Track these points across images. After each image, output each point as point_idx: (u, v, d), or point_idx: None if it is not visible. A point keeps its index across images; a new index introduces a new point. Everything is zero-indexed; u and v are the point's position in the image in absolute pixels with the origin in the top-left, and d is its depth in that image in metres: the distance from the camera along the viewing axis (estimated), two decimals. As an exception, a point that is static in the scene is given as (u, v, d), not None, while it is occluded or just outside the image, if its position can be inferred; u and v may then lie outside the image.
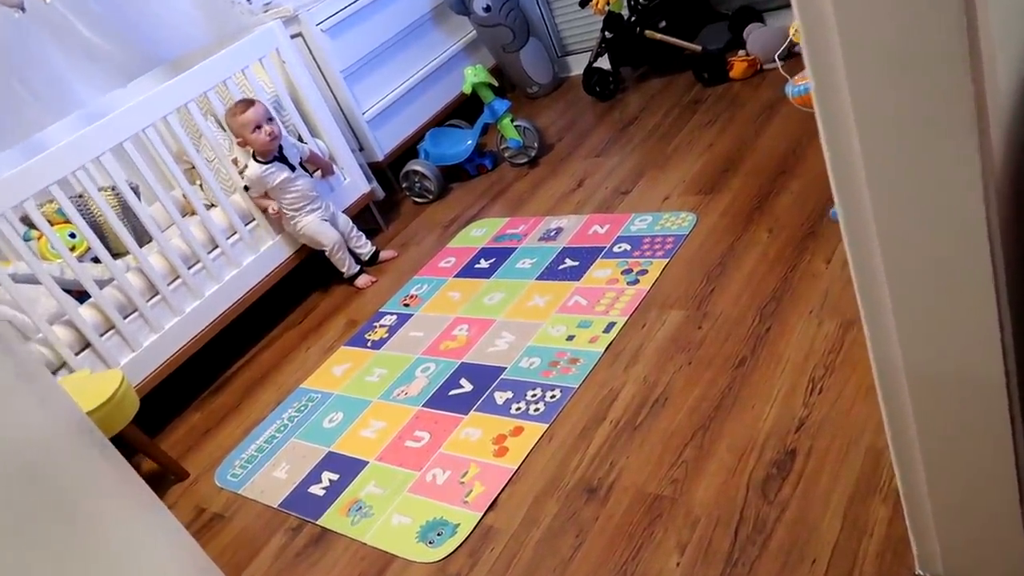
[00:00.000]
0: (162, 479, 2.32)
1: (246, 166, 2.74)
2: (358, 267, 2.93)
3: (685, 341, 1.93)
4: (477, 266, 2.69)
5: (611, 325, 2.09)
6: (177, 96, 2.63)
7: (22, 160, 2.87)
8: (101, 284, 2.51)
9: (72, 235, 2.69)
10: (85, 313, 2.43)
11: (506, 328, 2.28)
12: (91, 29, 3.11)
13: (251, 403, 2.52)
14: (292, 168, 2.73)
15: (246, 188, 2.74)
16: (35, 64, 3.01)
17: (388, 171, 3.52)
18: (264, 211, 2.78)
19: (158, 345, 2.56)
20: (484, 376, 2.12)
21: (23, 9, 2.64)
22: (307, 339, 2.74)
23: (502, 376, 2.08)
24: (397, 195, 3.50)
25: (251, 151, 2.69)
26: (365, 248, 2.97)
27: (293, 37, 3.12)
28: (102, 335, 2.46)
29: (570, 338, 2.11)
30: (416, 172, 3.31)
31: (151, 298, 2.58)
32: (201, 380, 2.75)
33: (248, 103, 2.64)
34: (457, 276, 2.68)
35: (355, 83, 3.38)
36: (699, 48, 3.17)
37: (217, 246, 2.74)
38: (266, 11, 3.34)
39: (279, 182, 2.69)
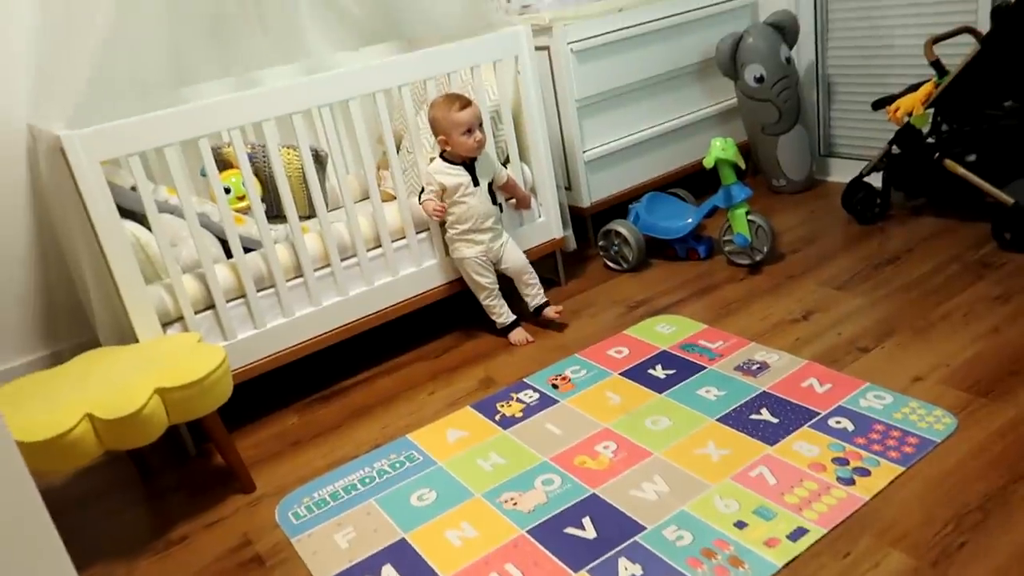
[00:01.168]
0: (226, 482, 2.03)
1: (432, 159, 2.44)
2: (514, 318, 2.54)
3: (903, 605, 1.36)
4: (651, 371, 2.20)
5: (800, 531, 1.54)
6: (395, 75, 2.36)
7: (228, 92, 2.76)
8: (248, 246, 2.28)
9: (227, 190, 2.49)
10: (220, 272, 2.20)
11: (662, 471, 1.79)
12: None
13: (351, 430, 2.19)
14: (476, 183, 2.39)
15: (421, 191, 2.42)
16: (278, 4, 2.88)
17: (589, 221, 3.12)
18: (430, 214, 2.43)
19: (283, 331, 2.29)
20: (614, 525, 1.64)
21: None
22: (436, 380, 2.38)
23: (637, 538, 1.59)
24: (589, 250, 3.08)
25: (441, 150, 2.38)
26: (535, 298, 2.56)
27: (537, 49, 2.79)
28: (230, 302, 2.22)
29: (740, 525, 1.58)
30: (618, 234, 2.88)
31: (293, 279, 2.32)
32: (312, 383, 2.47)
33: (466, 100, 2.33)
34: (624, 374, 2.21)
35: (587, 117, 3.01)
36: (1010, 200, 2.50)
37: (379, 245, 2.44)
38: (522, 13, 3.04)
39: (454, 186, 2.36)
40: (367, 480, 1.93)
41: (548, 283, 2.90)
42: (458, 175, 2.37)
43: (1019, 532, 1.45)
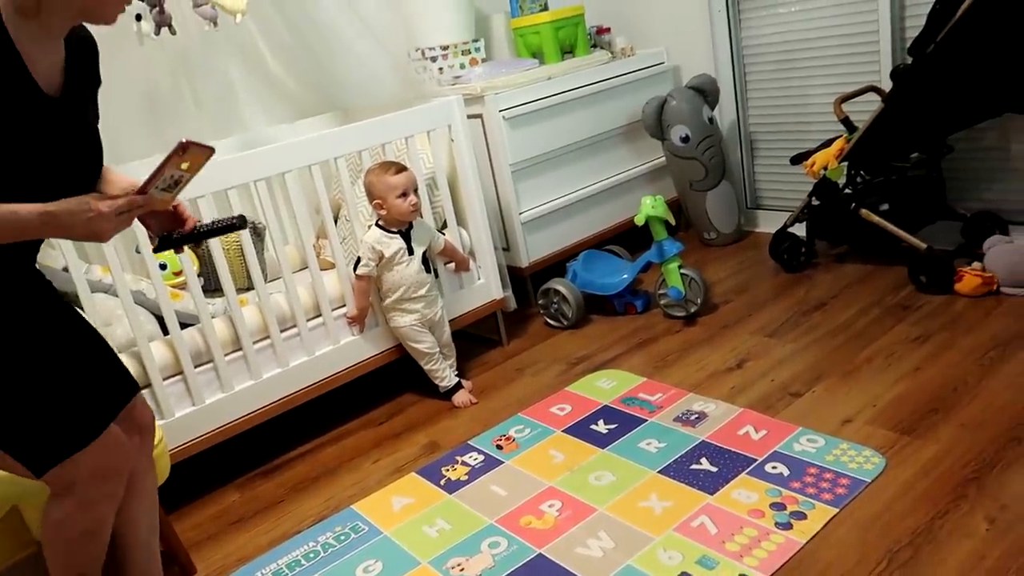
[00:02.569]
0: (167, 565, 1.96)
1: (369, 227, 2.47)
2: (456, 381, 2.56)
3: (843, 646, 1.39)
4: (593, 427, 2.24)
5: (743, 580, 1.57)
6: (330, 147, 2.40)
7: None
8: (186, 321, 2.26)
9: (163, 266, 2.48)
10: (156, 349, 2.18)
11: (606, 526, 1.80)
12: (276, 59, 3.01)
13: (294, 504, 2.15)
14: (411, 251, 2.42)
15: (357, 262, 2.44)
16: (211, 78, 2.92)
17: (529, 281, 3.17)
18: (357, 308, 2.46)
19: (222, 405, 2.26)
20: (562, 586, 1.64)
21: (215, 24, 2.54)
22: (380, 447, 2.37)
23: (584, 597, 1.60)
24: (529, 309, 3.13)
25: (377, 218, 2.42)
26: (446, 379, 2.56)
27: (470, 117, 2.87)
28: (167, 379, 2.19)
29: (684, 576, 1.61)
30: (557, 292, 2.94)
31: (231, 352, 2.30)
32: (254, 457, 2.42)
33: (400, 165, 2.39)
34: (567, 431, 2.24)
35: (522, 180, 3.09)
36: (923, 245, 2.65)
37: (319, 314, 2.45)
38: (454, 84, 3.14)
39: (392, 254, 2.39)
40: (311, 555, 1.90)
41: (490, 343, 2.93)
42: (394, 243, 2.40)
43: (946, 566, 1.51)
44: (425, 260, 2.48)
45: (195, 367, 2.21)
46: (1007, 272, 2.53)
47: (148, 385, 2.15)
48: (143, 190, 1.34)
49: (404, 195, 2.34)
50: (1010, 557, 1.50)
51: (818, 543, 1.64)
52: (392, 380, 2.72)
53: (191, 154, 1.35)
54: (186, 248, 1.70)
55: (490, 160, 3.05)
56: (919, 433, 1.93)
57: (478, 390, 2.60)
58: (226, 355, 2.28)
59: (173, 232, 1.51)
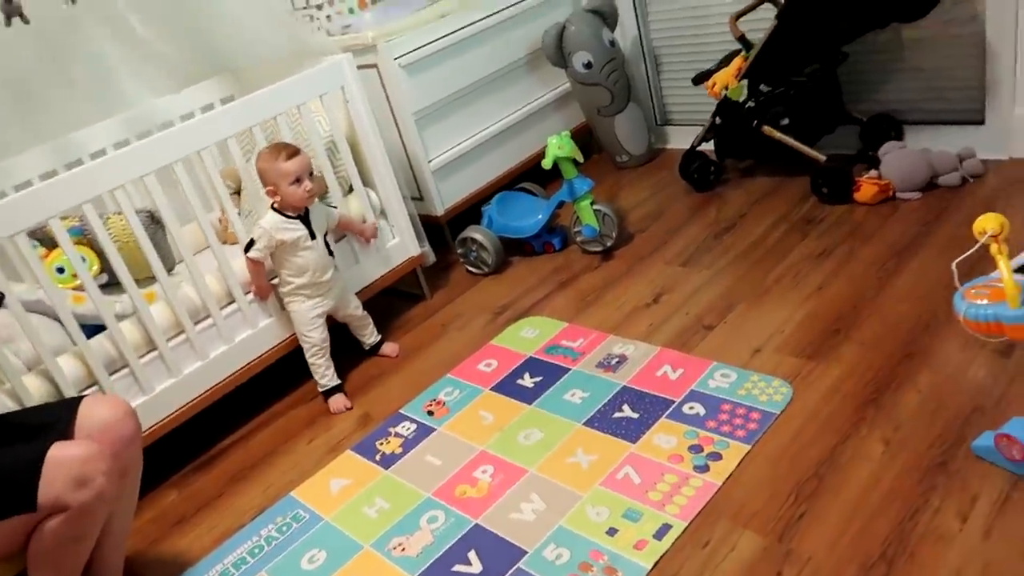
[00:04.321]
0: (112, 577, 1.98)
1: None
2: (337, 383, 2.49)
3: (757, 584, 1.50)
4: (519, 381, 2.29)
5: (665, 528, 1.67)
6: (218, 129, 2.30)
7: (44, 161, 2.62)
8: (96, 324, 2.20)
9: (60, 269, 2.39)
10: (66, 363, 2.12)
11: (537, 487, 1.88)
12: (147, 26, 2.82)
13: (234, 496, 2.17)
14: (312, 235, 2.34)
15: (249, 244, 2.34)
16: (80, 57, 2.72)
17: (446, 229, 3.15)
18: (256, 287, 2.41)
19: (147, 407, 2.22)
20: (498, 556, 1.72)
21: (74, 1, 2.35)
22: (314, 426, 2.39)
23: (520, 564, 1.68)
24: (450, 256, 3.12)
25: (272, 203, 2.34)
26: (370, 337, 2.61)
27: (364, 68, 2.77)
28: (81, 390, 2.14)
29: (611, 532, 1.70)
30: (474, 240, 2.93)
31: (146, 353, 2.25)
32: (187, 450, 2.42)
33: (292, 149, 2.27)
34: (494, 389, 2.29)
35: (426, 126, 3.02)
36: (822, 158, 2.71)
37: (232, 300, 2.40)
38: (344, 33, 3.00)
39: (293, 240, 2.31)
40: (256, 551, 1.94)
41: (414, 298, 2.93)
42: (295, 229, 2.30)
43: (848, 493, 1.63)
44: (326, 243, 2.41)
45: (110, 374, 2.17)
46: (900, 177, 2.61)
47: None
48: None
49: (298, 181, 2.25)
50: (903, 476, 1.62)
51: (733, 483, 1.74)
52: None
53: None
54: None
55: (391, 110, 2.96)
56: (822, 356, 2.04)
57: (404, 351, 2.62)
58: (141, 357, 2.23)
59: None
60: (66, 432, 1.67)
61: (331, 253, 2.42)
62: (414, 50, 2.91)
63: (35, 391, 2.06)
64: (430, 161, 3.04)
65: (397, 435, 2.22)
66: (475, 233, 2.93)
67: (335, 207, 2.53)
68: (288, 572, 1.84)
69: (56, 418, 1.70)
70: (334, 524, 1.95)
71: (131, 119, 2.80)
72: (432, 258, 2.95)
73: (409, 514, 1.91)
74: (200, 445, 2.43)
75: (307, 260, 2.34)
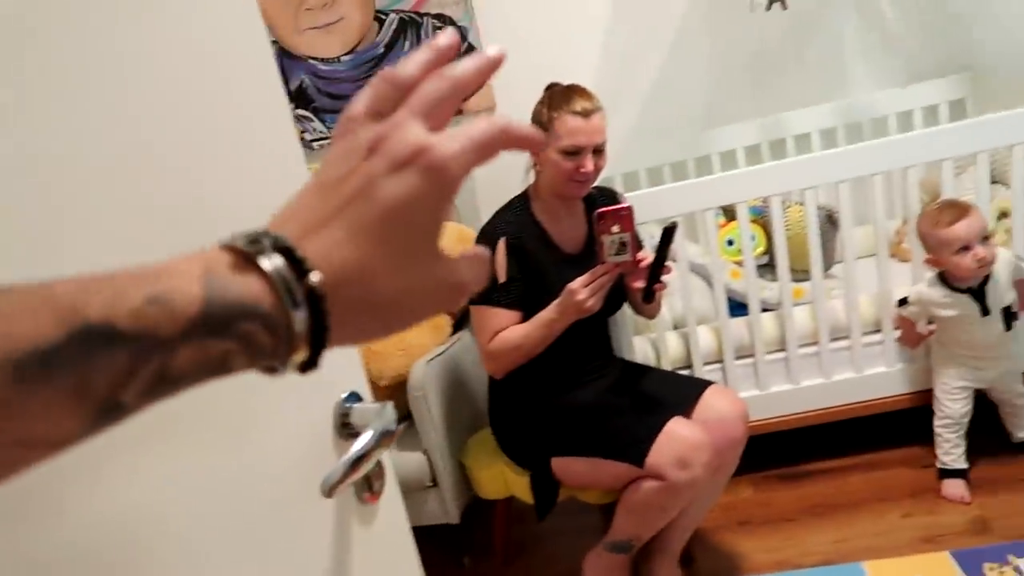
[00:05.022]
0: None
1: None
2: (964, 466, 2.03)
3: None
4: None
5: None
6: (932, 148, 2.03)
7: (751, 135, 2.74)
8: (733, 303, 2.27)
9: (730, 242, 2.48)
10: (702, 334, 2.24)
11: None
12: (898, 17, 2.64)
13: (805, 530, 2.06)
14: (986, 312, 1.90)
15: (903, 301, 2.06)
16: (820, 38, 2.71)
17: None
18: (909, 331, 2.09)
19: (756, 400, 2.24)
20: None
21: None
22: (917, 499, 2.06)
23: None
24: None
25: (934, 270, 1.98)
26: (951, 457, 2.06)
27: None
28: (708, 363, 2.25)
29: None
30: None
31: (774, 351, 2.24)
32: (776, 453, 2.36)
33: (959, 210, 1.86)
34: None
35: None
36: None
37: (879, 329, 2.19)
38: None
39: (953, 317, 1.94)
40: (805, 602, 1.81)
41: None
42: (960, 304, 1.93)
43: None
44: (1009, 315, 1.95)
45: (735, 358, 2.23)
46: None
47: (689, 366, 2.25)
48: (600, 260, 1.57)
49: (966, 248, 1.84)
50: None
51: None
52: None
53: (612, 218, 1.53)
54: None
55: None
56: None
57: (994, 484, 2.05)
58: (769, 353, 2.23)
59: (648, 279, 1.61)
60: (687, 410, 1.78)
61: (1009, 327, 1.96)
62: None
63: (672, 349, 2.25)
64: None
65: (1016, 569, 1.77)
66: None
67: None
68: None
69: (685, 395, 1.82)
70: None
71: (845, 107, 2.72)
72: None
73: None
74: (790, 454, 2.36)
75: (972, 336, 1.97)
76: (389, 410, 0.64)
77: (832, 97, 2.75)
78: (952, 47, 2.65)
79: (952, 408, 2.05)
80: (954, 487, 2.05)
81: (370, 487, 0.68)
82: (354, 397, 0.68)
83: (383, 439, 0.62)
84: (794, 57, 2.78)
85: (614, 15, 2.47)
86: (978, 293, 1.92)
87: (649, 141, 2.64)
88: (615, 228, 1.54)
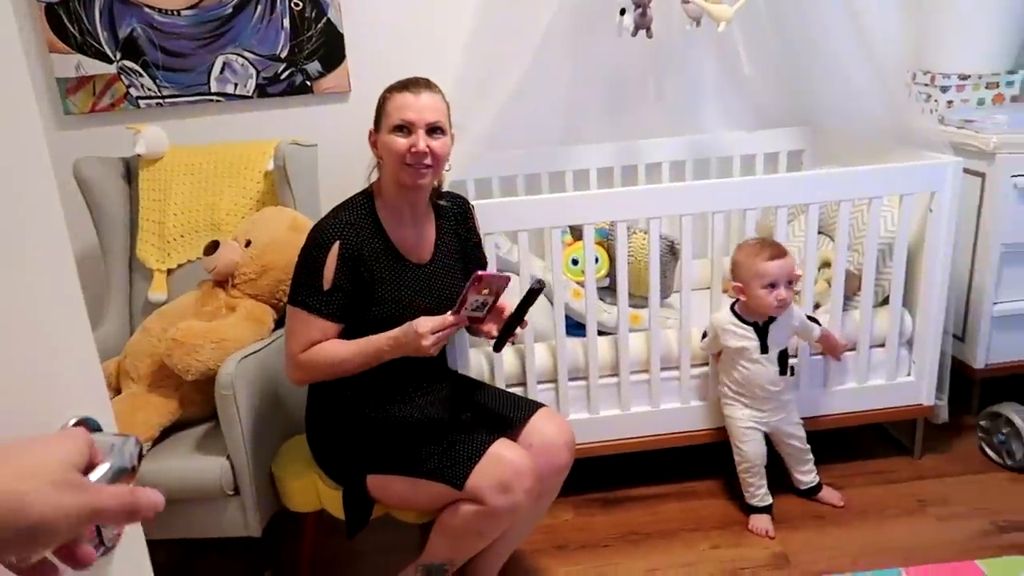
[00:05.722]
0: None
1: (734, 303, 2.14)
2: (768, 503, 2.13)
3: None
4: (995, 640, 1.71)
5: None
6: (794, 192, 2.12)
7: (605, 157, 2.74)
8: (570, 323, 2.24)
9: (575, 261, 2.47)
10: (539, 351, 2.20)
11: None
12: (753, 63, 2.73)
13: (618, 557, 2.06)
14: (764, 349, 2.03)
15: (704, 335, 2.17)
16: (678, 73, 2.76)
17: (977, 388, 2.54)
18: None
19: (584, 424, 2.23)
20: None
21: (698, 23, 2.35)
22: (724, 532, 2.13)
23: None
24: (964, 418, 2.51)
25: (734, 300, 2.08)
26: (807, 476, 2.19)
27: (969, 173, 2.30)
28: (541, 383, 2.21)
29: None
30: (1009, 422, 2.29)
31: (606, 375, 2.24)
32: (597, 477, 2.36)
33: (778, 250, 1.99)
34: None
35: (1011, 264, 2.42)
36: None
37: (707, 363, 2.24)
38: (961, 127, 2.54)
39: (737, 348, 2.04)
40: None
41: (897, 449, 2.44)
42: (745, 337, 2.04)
43: None
44: (783, 359, 2.07)
45: (568, 379, 2.20)
46: None
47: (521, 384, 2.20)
48: (456, 312, 1.55)
49: (773, 286, 1.96)
50: None
51: None
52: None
53: (489, 284, 1.52)
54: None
55: (976, 231, 2.43)
56: None
57: (857, 505, 2.18)
58: (601, 377, 2.22)
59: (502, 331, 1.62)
60: (514, 433, 1.72)
61: (783, 371, 2.07)
62: (1042, 172, 2.32)
63: (507, 365, 2.18)
64: (996, 304, 2.44)
65: (811, 607, 1.85)
66: (1012, 413, 2.29)
67: (818, 324, 2.15)
68: None
69: (514, 416, 1.75)
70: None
71: (695, 143, 2.79)
72: (944, 417, 2.39)
73: None
74: (613, 478, 2.37)
75: (752, 373, 2.06)
76: (131, 445, 0.50)
77: (684, 131, 2.81)
78: (796, 100, 2.79)
79: (746, 449, 2.12)
80: (760, 522, 2.12)
81: (100, 537, 0.54)
82: (92, 423, 0.54)
83: (118, 478, 0.49)
84: (654, 87, 2.82)
85: (482, 17, 2.39)
86: (762, 330, 2.03)
87: (504, 150, 2.58)
88: (486, 291, 1.53)
